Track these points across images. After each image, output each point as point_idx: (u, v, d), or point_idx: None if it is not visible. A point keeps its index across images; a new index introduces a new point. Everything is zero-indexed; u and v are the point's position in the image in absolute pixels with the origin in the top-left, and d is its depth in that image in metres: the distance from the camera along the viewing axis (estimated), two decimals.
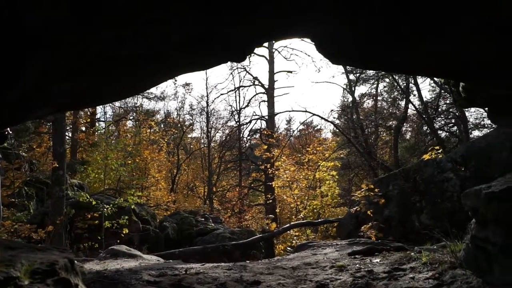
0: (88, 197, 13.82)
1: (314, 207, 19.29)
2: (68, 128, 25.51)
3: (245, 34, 4.23)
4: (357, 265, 6.76)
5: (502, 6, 3.09)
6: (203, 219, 18.84)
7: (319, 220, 16.85)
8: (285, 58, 28.36)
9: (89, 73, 4.27)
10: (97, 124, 29.45)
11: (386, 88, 28.61)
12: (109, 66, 4.17)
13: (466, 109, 20.89)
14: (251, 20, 3.75)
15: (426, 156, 15.26)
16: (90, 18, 3.27)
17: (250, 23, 4.00)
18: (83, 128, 27.79)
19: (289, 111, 26.20)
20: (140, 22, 3.46)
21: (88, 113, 28.03)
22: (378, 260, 6.99)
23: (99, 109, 31.66)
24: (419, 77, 19.84)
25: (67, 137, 25.00)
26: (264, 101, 28.26)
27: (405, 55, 4.31)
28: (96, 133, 25.66)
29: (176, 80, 34.77)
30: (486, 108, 6.74)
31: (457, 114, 22.35)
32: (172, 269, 7.53)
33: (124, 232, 13.77)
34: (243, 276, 6.60)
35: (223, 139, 32.28)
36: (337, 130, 26.15)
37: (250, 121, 28.30)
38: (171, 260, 10.22)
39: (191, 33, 4.05)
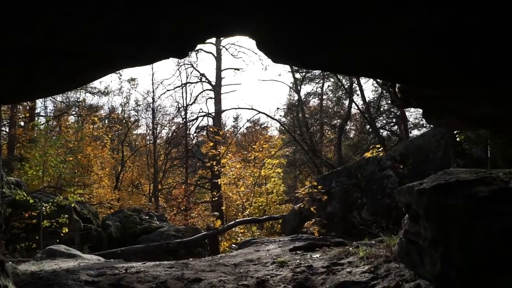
0: (26, 195, 13.18)
1: (260, 204, 19.46)
2: (5, 123, 24.26)
3: (185, 31, 4.18)
4: (298, 261, 6.88)
5: (433, 11, 3.22)
6: (147, 217, 18.50)
7: (264, 217, 17.01)
8: (233, 56, 28.29)
9: (20, 65, 4.08)
10: (36, 119, 28.15)
11: (331, 88, 29.32)
12: (41, 58, 3.99)
13: (406, 109, 21.79)
14: (188, 16, 3.71)
15: (367, 154, 15.76)
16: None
17: (188, 20, 3.97)
18: (22, 123, 26.51)
19: (236, 108, 26.36)
20: (72, 14, 3.34)
21: (27, 107, 26.76)
22: (318, 255, 7.15)
23: (39, 103, 30.25)
24: (362, 77, 20.46)
25: (3, 132, 23.74)
26: (211, 98, 28.11)
27: (345, 56, 4.42)
28: (35, 128, 24.51)
29: (121, 75, 33.83)
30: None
31: (397, 114, 23.27)
32: (112, 268, 7.34)
33: (64, 231, 13.27)
34: (185, 274, 6.55)
35: (169, 136, 31.82)
36: (283, 128, 26.48)
37: (196, 118, 28.08)
38: (112, 260, 9.95)
39: (127, 28, 3.97)
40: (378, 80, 19.41)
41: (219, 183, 21.54)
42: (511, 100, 5.15)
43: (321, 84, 28.79)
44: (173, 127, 31.95)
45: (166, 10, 3.69)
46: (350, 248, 7.07)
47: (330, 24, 3.70)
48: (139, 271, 6.94)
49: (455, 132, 11.62)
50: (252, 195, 20.18)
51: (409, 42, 3.60)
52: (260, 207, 19.44)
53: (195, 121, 28.60)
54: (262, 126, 35.07)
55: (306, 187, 13.64)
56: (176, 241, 14.51)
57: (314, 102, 31.82)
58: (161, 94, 46.46)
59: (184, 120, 29.59)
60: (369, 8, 3.29)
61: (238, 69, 27.99)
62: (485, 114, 5.86)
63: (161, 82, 43.56)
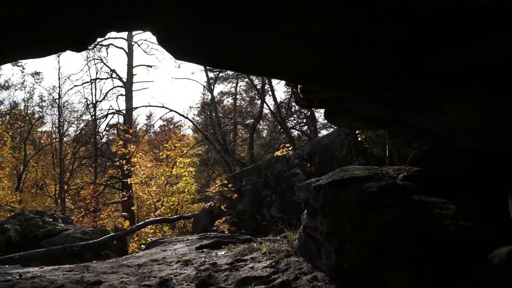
0: None
1: (172, 203, 19.18)
2: None
3: (78, 23, 4.00)
4: (203, 259, 6.88)
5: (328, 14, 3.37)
6: (51, 220, 17.43)
7: (175, 216, 16.80)
8: (145, 52, 27.61)
9: None
10: None
11: (244, 88, 29.68)
12: None
13: (316, 110, 22.66)
14: (79, 8, 3.55)
15: (278, 153, 16.17)
16: None
17: (79, 11, 3.81)
18: None
19: (146, 106, 25.73)
20: None
21: None
22: (223, 252, 7.21)
23: None
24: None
25: None
26: (122, 95, 27.20)
27: (245, 55, 4.47)
28: None
29: (23, 68, 31.58)
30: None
31: (307, 114, 24.13)
32: (5, 274, 6.83)
33: None
34: (85, 277, 6.27)
35: (77, 133, 30.23)
36: (196, 127, 26.35)
37: (106, 115, 27.00)
38: (7, 265, 9.26)
39: (17, 17, 3.72)
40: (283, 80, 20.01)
41: (129, 182, 20.90)
42: (399, 101, 5.54)
43: (235, 84, 29.05)
44: (81, 125, 30.39)
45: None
46: (255, 245, 7.21)
47: (228, 24, 3.74)
48: (35, 276, 6.53)
49: (356, 132, 12.32)
50: (164, 194, 19.83)
51: (307, 42, 3.74)
52: (172, 207, 19.16)
53: (104, 118, 27.49)
54: (176, 124, 34.63)
55: (216, 185, 13.69)
56: (81, 243, 13.84)
57: (228, 101, 32.03)
58: (68, 90, 44.09)
59: (93, 117, 28.30)
60: (268, 8, 3.37)
61: (150, 66, 27.43)
62: (378, 115, 6.25)
63: (68, 77, 41.33)
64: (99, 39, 13.62)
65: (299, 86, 6.17)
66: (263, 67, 4.88)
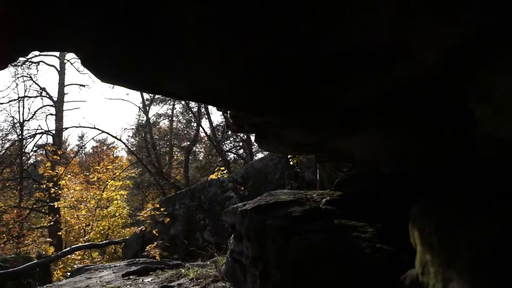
0: None
1: (102, 228, 18.47)
2: None
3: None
4: (128, 286, 6.65)
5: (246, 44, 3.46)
6: None
7: (104, 241, 16.16)
8: (78, 71, 26.76)
9: None
10: None
11: (181, 110, 29.47)
12: None
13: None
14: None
15: (212, 176, 16.10)
16: None
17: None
18: None
19: (77, 126, 24.80)
20: None
21: None
22: (150, 279, 7.01)
23: None
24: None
25: None
26: (52, 114, 26.08)
27: (169, 80, 4.47)
28: None
29: None
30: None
31: (243, 137, 24.30)
32: None
33: None
34: None
35: (2, 154, 28.47)
36: (129, 149, 25.72)
37: (34, 135, 25.68)
38: None
39: None
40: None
41: (57, 206, 19.90)
42: (324, 128, 5.74)
43: (171, 106, 28.78)
44: (7, 144, 28.66)
45: None
46: (183, 270, 7.08)
47: (151, 49, 3.74)
48: None
49: (289, 157, 12.57)
50: (94, 218, 19.06)
51: (227, 70, 3.81)
52: (102, 232, 18.44)
53: (32, 138, 26.13)
54: (109, 146, 33.58)
55: (148, 209, 13.37)
56: (1, 272, 12.93)
57: (164, 123, 31.62)
58: None
59: (20, 137, 26.82)
60: (185, 36, 3.42)
61: (83, 85, 26.64)
62: (304, 141, 6.43)
63: None
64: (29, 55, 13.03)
65: (228, 111, 6.24)
66: (191, 94, 4.90)
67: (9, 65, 4.86)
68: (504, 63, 1.98)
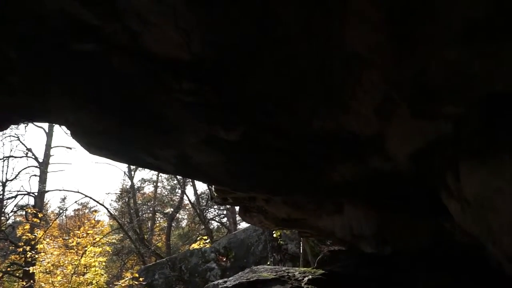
0: None
1: None
2: None
3: None
4: None
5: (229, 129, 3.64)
6: None
7: None
8: (66, 133, 26.85)
9: None
10: None
11: (166, 176, 29.33)
12: None
13: None
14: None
15: (194, 245, 15.82)
16: None
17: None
18: None
19: (61, 190, 24.56)
20: None
21: None
22: None
23: None
24: None
25: None
26: (36, 175, 25.80)
27: (155, 155, 4.61)
28: None
29: None
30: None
31: (228, 206, 24.18)
32: None
33: None
34: None
35: None
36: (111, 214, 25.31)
37: (15, 196, 25.21)
38: None
39: None
40: None
41: (32, 271, 19.15)
42: (306, 206, 5.86)
43: (156, 172, 28.69)
44: None
45: None
46: None
47: (139, 129, 3.91)
48: None
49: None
50: (70, 285, 18.31)
51: (210, 150, 3.98)
52: None
53: (13, 199, 25.62)
54: (91, 209, 32.95)
55: (126, 279, 12.98)
56: None
57: (148, 188, 31.34)
58: None
59: (1, 197, 26.29)
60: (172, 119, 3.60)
61: (70, 148, 26.59)
62: (288, 217, 6.51)
63: None
64: None
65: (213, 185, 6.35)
66: (176, 167, 5.02)
67: None
68: (467, 169, 2.15)
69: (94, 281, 18.02)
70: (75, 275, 18.79)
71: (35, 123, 25.19)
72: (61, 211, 35.15)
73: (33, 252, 19.57)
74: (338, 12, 1.78)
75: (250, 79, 3.15)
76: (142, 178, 30.39)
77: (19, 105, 4.28)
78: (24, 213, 26.15)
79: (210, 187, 7.41)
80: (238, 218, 25.61)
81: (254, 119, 3.44)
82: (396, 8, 1.47)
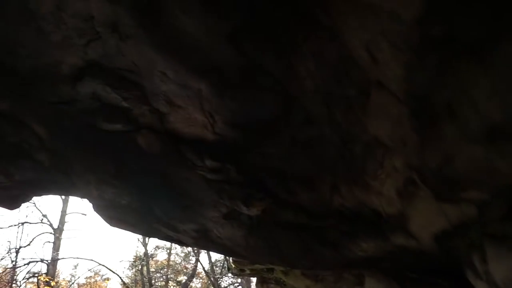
0: None
1: None
2: None
3: (17, 189, 4.14)
4: None
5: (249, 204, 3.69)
6: None
7: None
8: (82, 199, 26.89)
9: None
10: None
11: None
12: None
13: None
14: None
15: None
16: None
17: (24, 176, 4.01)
18: None
19: (74, 257, 24.32)
20: None
21: None
22: None
23: None
24: None
25: None
26: (50, 242, 25.70)
27: (179, 228, 4.65)
28: None
29: None
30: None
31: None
32: None
33: None
34: None
35: None
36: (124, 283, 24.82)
37: (28, 263, 24.99)
38: None
39: None
40: None
41: None
42: (325, 278, 5.74)
43: None
44: None
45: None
46: None
47: (163, 202, 3.98)
48: None
49: None
50: None
51: (231, 224, 4.01)
52: None
53: (26, 266, 25.38)
54: (104, 277, 32.33)
55: None
56: None
57: (162, 255, 30.84)
58: None
59: (14, 263, 26.07)
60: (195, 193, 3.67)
61: (85, 214, 26.58)
62: None
63: None
64: None
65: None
66: (196, 240, 5.03)
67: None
68: (494, 253, 2.14)
69: None
70: None
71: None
72: (73, 278, 34.62)
73: None
74: (361, 105, 1.88)
75: (272, 157, 3.24)
76: (156, 246, 30.04)
77: (45, 180, 4.42)
78: (36, 280, 25.79)
79: (227, 257, 7.34)
80: (253, 286, 24.92)
81: (275, 195, 3.50)
82: (420, 108, 1.56)
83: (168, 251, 29.17)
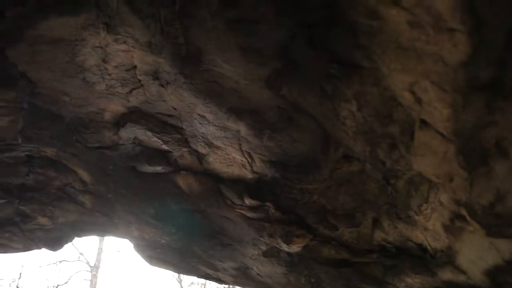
0: None
1: None
2: None
3: (60, 229, 4.27)
4: None
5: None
6: None
7: None
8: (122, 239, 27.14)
9: None
10: None
11: None
12: None
13: None
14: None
15: None
16: None
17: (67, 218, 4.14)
18: None
19: None
20: None
21: None
22: None
23: None
24: None
25: None
26: (87, 280, 25.94)
27: (219, 267, 4.66)
28: None
29: None
30: None
31: None
32: None
33: None
34: None
35: None
36: None
37: None
38: None
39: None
40: None
41: None
42: None
43: None
44: None
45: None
46: None
47: (203, 241, 4.01)
48: None
49: None
50: None
51: (271, 262, 4.00)
52: None
53: None
54: None
55: None
56: None
57: None
58: (30, 271, 41.67)
59: None
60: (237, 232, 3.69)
61: (120, 251, 26.80)
62: None
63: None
64: None
65: None
66: (235, 278, 5.03)
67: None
68: None
69: None
70: None
71: None
72: None
73: None
74: (406, 144, 1.88)
75: (311, 193, 3.24)
76: (192, 282, 29.87)
77: (87, 222, 4.53)
78: None
79: None
80: None
81: (316, 231, 3.48)
82: (468, 146, 1.56)
83: (203, 286, 28.99)
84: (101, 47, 2.61)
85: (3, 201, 4.05)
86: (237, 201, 3.51)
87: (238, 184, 3.44)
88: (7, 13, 2.11)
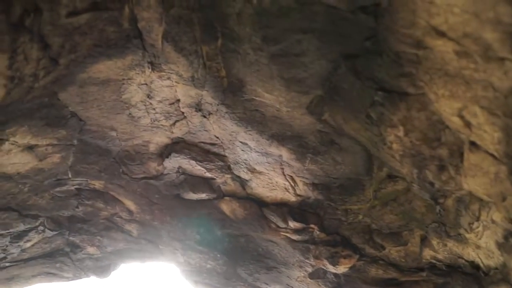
0: None
1: None
2: None
3: (111, 259, 4.38)
4: None
5: None
6: None
7: None
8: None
9: None
10: None
11: None
12: None
13: None
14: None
15: None
16: None
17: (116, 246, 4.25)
18: None
19: None
20: None
21: None
22: None
23: None
24: None
25: None
26: None
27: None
28: None
29: None
30: None
31: None
32: None
33: None
34: None
35: None
36: None
37: None
38: None
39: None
40: None
41: None
42: None
43: None
44: None
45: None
46: None
47: (248, 264, 4.04)
48: None
49: None
50: None
51: (317, 283, 3.98)
52: None
53: None
54: None
55: None
56: None
57: None
58: None
59: None
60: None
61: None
62: None
63: None
64: None
65: None
66: None
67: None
68: None
69: None
70: None
71: None
72: None
73: None
74: (455, 165, 1.89)
75: (356, 213, 3.24)
76: None
77: (133, 249, 4.64)
78: None
79: None
80: None
81: (362, 251, 3.47)
82: None
83: None
84: (146, 84, 2.71)
85: (54, 233, 4.21)
86: (282, 224, 3.54)
87: (282, 208, 3.47)
88: (60, 61, 2.23)
